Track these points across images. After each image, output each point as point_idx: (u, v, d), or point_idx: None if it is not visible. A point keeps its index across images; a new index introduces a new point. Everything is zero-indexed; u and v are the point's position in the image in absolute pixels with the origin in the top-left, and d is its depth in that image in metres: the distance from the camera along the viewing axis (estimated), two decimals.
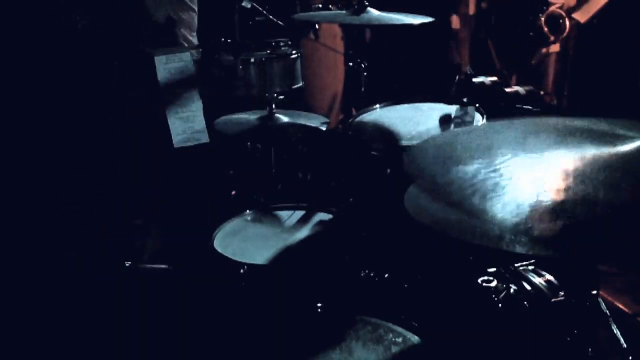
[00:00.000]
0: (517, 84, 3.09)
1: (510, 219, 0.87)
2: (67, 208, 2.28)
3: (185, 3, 2.88)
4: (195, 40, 2.96)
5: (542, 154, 1.04)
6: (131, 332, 1.99)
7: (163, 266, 2.06)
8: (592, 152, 1.01)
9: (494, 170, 0.99)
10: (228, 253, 1.90)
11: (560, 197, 0.90)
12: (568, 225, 0.85)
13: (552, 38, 3.49)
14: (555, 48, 3.65)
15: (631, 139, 1.04)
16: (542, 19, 3.45)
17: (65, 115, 2.34)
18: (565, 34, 3.50)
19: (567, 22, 3.46)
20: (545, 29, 3.46)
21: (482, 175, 0.98)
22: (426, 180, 1.06)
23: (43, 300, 2.06)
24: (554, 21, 3.48)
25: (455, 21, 3.77)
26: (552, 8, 3.46)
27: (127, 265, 2.02)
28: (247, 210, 2.19)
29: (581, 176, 0.94)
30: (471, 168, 1.01)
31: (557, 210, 0.87)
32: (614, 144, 1.03)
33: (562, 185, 0.93)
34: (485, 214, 0.89)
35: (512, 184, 0.95)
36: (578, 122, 1.21)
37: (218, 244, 1.97)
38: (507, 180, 0.96)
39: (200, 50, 2.92)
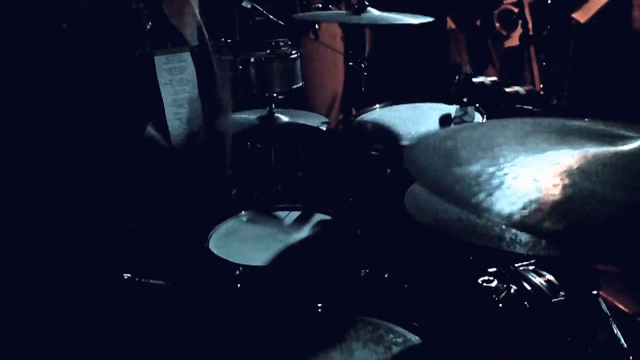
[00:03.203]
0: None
1: (517, 215, 0.87)
2: (61, 210, 2.28)
3: (186, 3, 2.88)
4: (195, 40, 2.96)
5: (544, 153, 1.04)
6: (129, 337, 1.98)
7: (161, 282, 2.06)
8: (593, 150, 1.02)
9: (498, 169, 0.99)
10: (223, 254, 1.89)
11: (565, 194, 0.90)
12: (573, 223, 0.86)
13: (504, 33, 3.47)
14: (514, 42, 3.59)
15: (632, 138, 1.04)
16: (495, 14, 3.43)
17: (60, 116, 2.33)
18: (519, 30, 3.46)
19: (521, 19, 3.43)
20: (497, 24, 3.44)
21: (486, 175, 0.98)
22: (429, 180, 1.06)
23: (38, 303, 2.06)
24: (507, 17, 3.46)
25: (450, 21, 3.76)
26: (505, 4, 3.44)
27: (125, 277, 2.02)
28: (242, 212, 2.19)
29: (584, 174, 0.95)
30: (475, 167, 1.01)
31: (562, 207, 0.88)
32: (615, 144, 1.03)
33: (566, 182, 0.93)
34: (491, 212, 0.89)
35: (516, 182, 0.95)
36: (578, 122, 1.22)
37: (213, 245, 1.96)
38: (511, 179, 0.96)
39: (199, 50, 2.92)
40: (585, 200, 0.89)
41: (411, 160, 1.11)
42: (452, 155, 1.08)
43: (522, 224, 0.86)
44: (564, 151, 1.03)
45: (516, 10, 3.37)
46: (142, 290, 2.09)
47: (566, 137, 1.10)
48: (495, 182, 0.96)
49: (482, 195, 0.92)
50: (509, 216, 0.87)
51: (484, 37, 3.54)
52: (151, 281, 2.05)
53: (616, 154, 1.01)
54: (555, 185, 0.92)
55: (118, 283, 2.05)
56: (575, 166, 0.97)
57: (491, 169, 1.00)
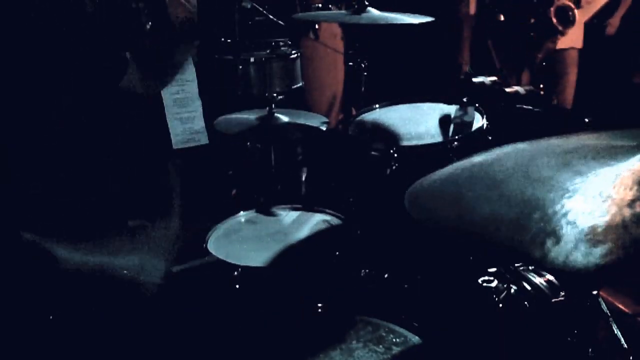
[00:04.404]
0: (522, 84, 3.10)
1: (574, 256, 0.78)
2: (60, 208, 2.27)
3: (186, 2, 2.88)
4: (196, 41, 2.96)
5: (596, 173, 0.93)
6: (128, 337, 1.98)
7: (161, 282, 2.06)
8: (621, 168, 0.93)
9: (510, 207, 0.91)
10: (222, 255, 1.89)
11: (623, 215, 0.82)
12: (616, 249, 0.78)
13: (560, 28, 3.49)
14: (570, 43, 3.64)
15: (633, 148, 0.97)
16: (552, 10, 3.45)
17: (59, 115, 2.33)
18: (574, 26, 3.50)
19: (577, 14, 3.47)
20: (555, 20, 3.46)
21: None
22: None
23: (37, 303, 2.06)
24: (563, 13, 3.48)
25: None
26: (564, 0, 3.47)
27: (125, 273, 2.01)
28: (241, 212, 2.19)
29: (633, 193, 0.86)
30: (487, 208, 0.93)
31: (621, 229, 0.80)
32: (616, 158, 0.96)
33: (623, 202, 0.84)
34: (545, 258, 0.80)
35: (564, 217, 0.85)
36: (570, 140, 1.13)
37: (212, 246, 1.96)
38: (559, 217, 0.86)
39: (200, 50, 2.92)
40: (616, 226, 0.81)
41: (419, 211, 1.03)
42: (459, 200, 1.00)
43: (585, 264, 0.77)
44: (601, 171, 0.93)
45: (573, 6, 3.41)
46: (141, 290, 2.09)
47: (567, 158, 1.02)
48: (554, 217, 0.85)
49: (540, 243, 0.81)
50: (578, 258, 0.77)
51: (535, 34, 3.55)
52: (154, 282, 2.05)
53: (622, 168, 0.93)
54: (613, 206, 0.83)
55: (117, 283, 2.05)
56: (625, 185, 0.88)
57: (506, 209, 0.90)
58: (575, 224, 0.83)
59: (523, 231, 0.84)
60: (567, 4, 3.47)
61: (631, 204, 0.84)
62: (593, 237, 0.80)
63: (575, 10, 3.47)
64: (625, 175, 0.90)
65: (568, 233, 0.81)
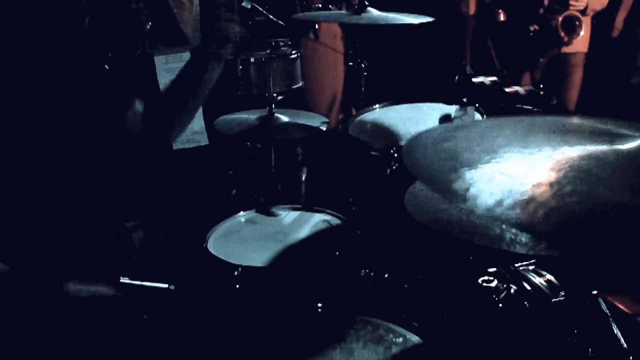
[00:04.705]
0: (522, 84, 3.10)
1: (498, 209, 0.87)
2: (57, 209, 2.27)
3: (187, 2, 2.88)
4: (196, 40, 2.96)
5: (542, 150, 1.03)
6: (127, 337, 1.98)
7: (163, 285, 2.05)
8: (591, 149, 1.01)
9: (492, 164, 0.99)
10: (222, 255, 1.89)
11: (561, 192, 0.90)
12: (568, 222, 0.85)
13: (565, 39, 3.51)
14: (576, 48, 3.65)
15: (631, 137, 1.03)
16: (559, 19, 3.47)
17: (58, 114, 2.33)
18: (578, 36, 3.53)
19: (583, 25, 3.49)
20: (562, 33, 3.48)
21: (479, 171, 0.98)
22: (432, 183, 1.05)
23: (36, 304, 2.05)
24: (570, 23, 3.50)
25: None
26: (571, 10, 3.48)
27: (122, 281, 2.01)
28: (241, 212, 2.19)
29: (581, 172, 0.94)
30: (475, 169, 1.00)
31: (558, 206, 0.87)
32: (613, 142, 1.02)
33: (563, 180, 0.92)
34: (472, 202, 0.90)
35: (506, 178, 0.96)
36: (576, 121, 1.21)
37: (212, 246, 1.96)
38: (501, 174, 0.96)
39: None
40: (584, 201, 0.88)
41: (412, 162, 1.10)
42: (454, 157, 1.07)
43: (518, 224, 0.86)
44: (563, 150, 1.02)
45: (580, 16, 3.43)
46: (140, 291, 2.08)
47: (565, 136, 1.09)
48: (484, 176, 0.96)
49: (465, 185, 0.92)
50: (490, 208, 0.87)
51: (540, 39, 3.57)
52: (152, 284, 2.05)
53: (615, 152, 1.00)
54: (551, 183, 0.92)
55: (115, 284, 2.05)
56: (575, 165, 0.96)
57: (484, 165, 1.00)
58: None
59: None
60: (575, 14, 3.48)
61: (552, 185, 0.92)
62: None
63: (582, 20, 3.49)
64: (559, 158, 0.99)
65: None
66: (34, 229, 2.14)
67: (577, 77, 3.73)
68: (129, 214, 2.48)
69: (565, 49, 3.61)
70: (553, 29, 3.51)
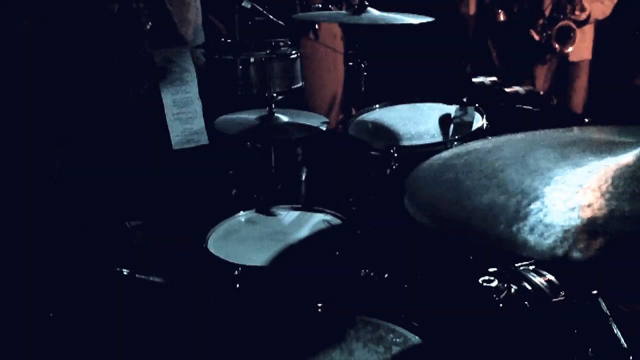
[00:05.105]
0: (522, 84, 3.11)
1: (544, 243, 0.80)
2: (60, 208, 2.27)
3: (188, 2, 2.88)
4: (197, 40, 2.96)
5: (551, 172, 0.96)
6: (127, 337, 1.98)
7: (158, 279, 2.05)
8: (600, 164, 0.94)
9: (509, 197, 0.92)
10: (222, 255, 1.89)
11: (592, 214, 0.83)
12: (607, 243, 0.78)
13: (558, 48, 3.51)
14: (579, 56, 3.66)
15: (631, 144, 0.98)
16: (555, 29, 3.48)
17: (59, 114, 2.33)
18: (572, 46, 3.54)
19: (577, 35, 3.50)
20: (556, 45, 3.49)
21: (500, 204, 0.90)
22: (440, 221, 1.00)
23: (36, 303, 2.05)
24: (564, 33, 3.51)
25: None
26: (572, 19, 3.49)
27: (123, 272, 2.01)
28: (241, 212, 2.19)
29: (606, 191, 0.87)
30: (486, 197, 0.94)
31: (592, 228, 0.81)
32: (615, 153, 0.97)
33: (592, 202, 0.85)
34: (516, 242, 0.82)
35: (534, 206, 0.88)
36: (573, 133, 1.15)
37: (212, 246, 1.96)
38: (530, 204, 0.88)
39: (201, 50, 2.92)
40: (613, 218, 0.82)
41: (413, 199, 1.04)
42: (457, 187, 1.00)
43: (552, 252, 0.79)
44: (574, 168, 0.95)
45: (574, 26, 3.44)
46: (140, 289, 2.09)
47: (565, 151, 1.02)
48: (511, 210, 0.87)
49: (507, 227, 0.84)
50: (548, 251, 0.79)
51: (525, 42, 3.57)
52: (150, 278, 2.05)
53: (622, 164, 0.94)
54: (582, 205, 0.85)
55: (115, 282, 2.05)
56: (596, 183, 0.89)
57: (503, 198, 0.91)
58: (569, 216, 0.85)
59: (521, 221, 0.85)
60: (570, 25, 3.48)
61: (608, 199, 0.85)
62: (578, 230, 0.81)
63: (577, 31, 3.49)
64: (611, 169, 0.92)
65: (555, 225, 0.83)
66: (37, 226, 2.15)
67: (583, 82, 3.74)
68: (129, 214, 2.48)
69: (571, 58, 3.62)
70: (550, 39, 3.52)
